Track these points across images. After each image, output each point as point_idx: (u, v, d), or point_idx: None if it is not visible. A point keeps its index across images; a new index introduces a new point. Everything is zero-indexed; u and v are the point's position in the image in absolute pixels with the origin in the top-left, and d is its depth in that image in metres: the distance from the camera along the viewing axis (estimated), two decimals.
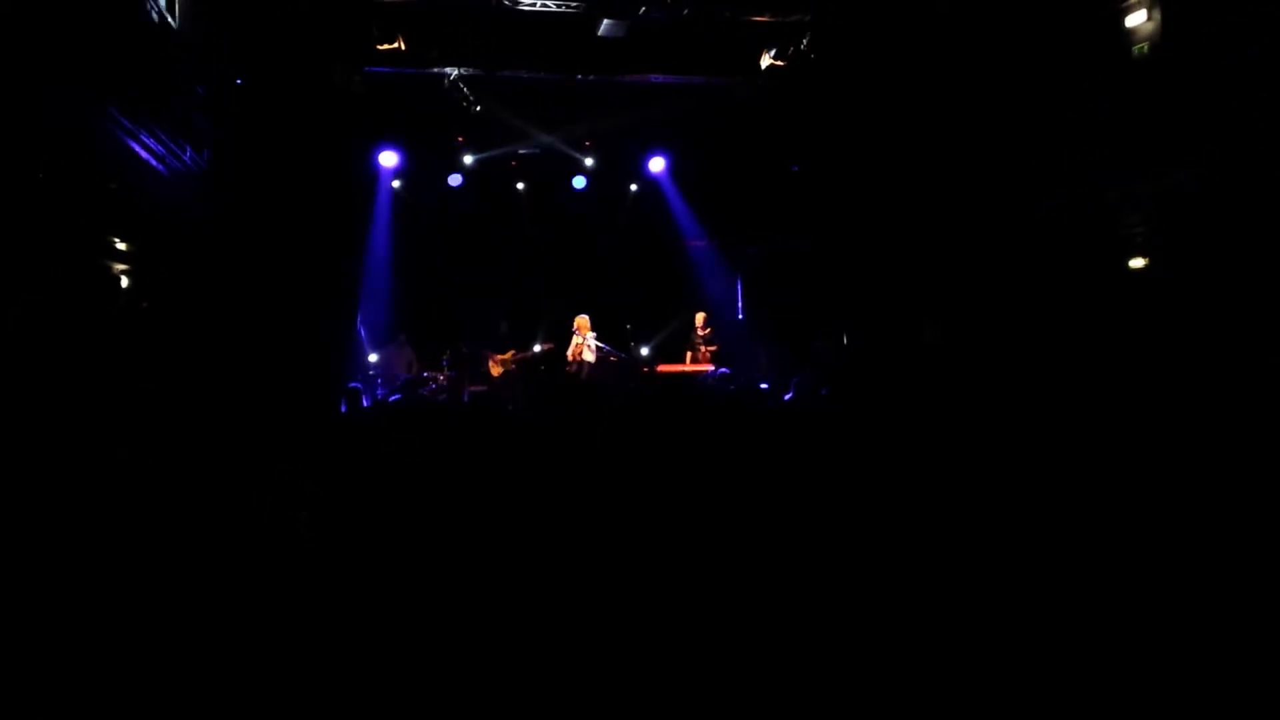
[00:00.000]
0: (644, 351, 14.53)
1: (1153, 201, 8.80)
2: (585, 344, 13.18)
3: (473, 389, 13.11)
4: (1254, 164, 7.83)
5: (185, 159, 8.64)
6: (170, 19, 8.32)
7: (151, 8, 7.75)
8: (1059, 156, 9.85)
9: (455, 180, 14.71)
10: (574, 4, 10.66)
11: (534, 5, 10.64)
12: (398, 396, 11.98)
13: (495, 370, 13.58)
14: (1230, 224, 7.83)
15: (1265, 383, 6.50)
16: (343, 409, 9.38)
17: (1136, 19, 9.34)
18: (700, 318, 14.34)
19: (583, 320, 13.31)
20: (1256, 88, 7.93)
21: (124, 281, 7.76)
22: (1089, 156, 9.58)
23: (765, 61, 11.62)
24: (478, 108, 12.85)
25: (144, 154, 7.76)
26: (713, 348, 14.08)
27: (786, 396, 11.04)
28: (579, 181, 15.22)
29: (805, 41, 11.45)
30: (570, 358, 13.28)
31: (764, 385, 12.07)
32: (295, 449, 6.29)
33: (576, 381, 13.08)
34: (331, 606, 3.88)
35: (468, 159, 14.52)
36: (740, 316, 15.75)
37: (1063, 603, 3.84)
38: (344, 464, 5.80)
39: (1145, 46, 9.26)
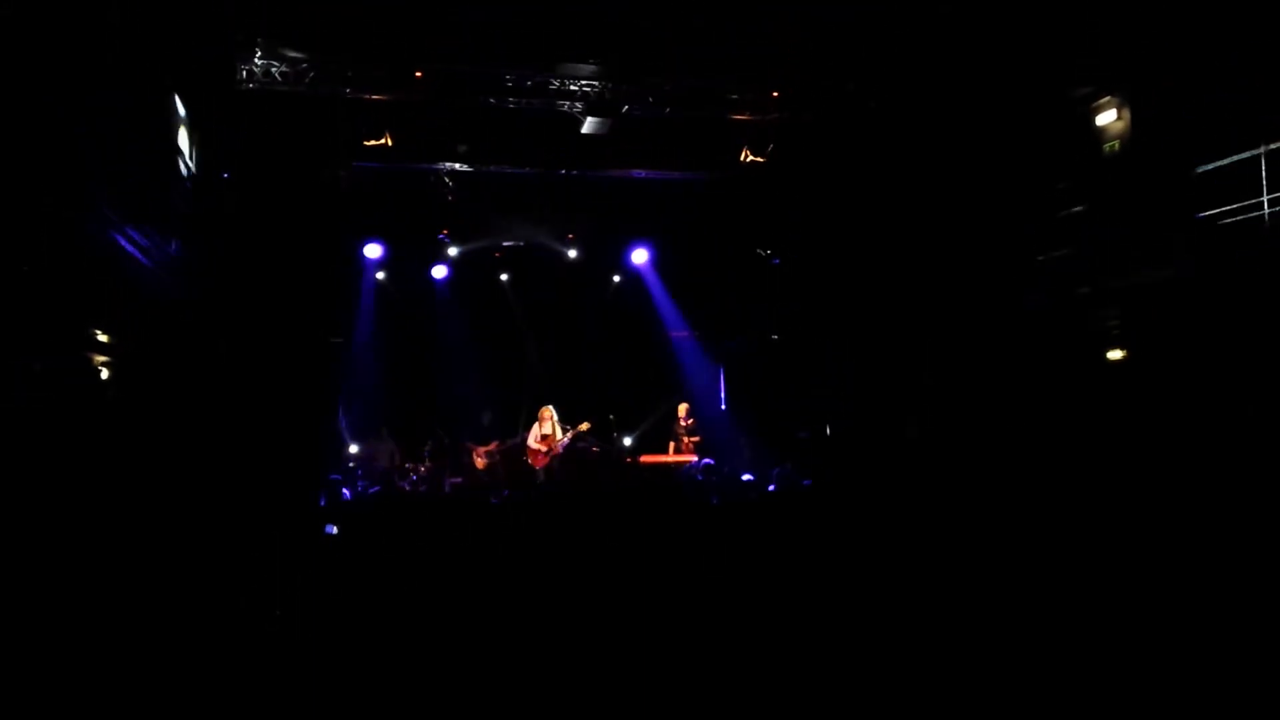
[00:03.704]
0: (627, 442, 14.48)
1: (1125, 296, 8.94)
2: (555, 434, 13.17)
3: (453, 481, 13.00)
4: (1222, 257, 8.00)
5: (170, 251, 8.67)
6: (158, 114, 8.44)
7: (139, 104, 7.87)
8: (1033, 252, 10.03)
9: (439, 272, 14.79)
10: (559, 102, 10.91)
11: (519, 103, 10.87)
12: (377, 489, 11.87)
13: (479, 462, 13.49)
14: (1201, 316, 7.94)
15: (1240, 470, 6.54)
16: (321, 502, 9.28)
17: (1107, 118, 9.62)
18: (683, 408, 14.34)
19: (546, 410, 13.32)
20: (1220, 181, 8.14)
21: (105, 374, 7.72)
22: (1062, 252, 9.76)
23: (745, 157, 11.87)
24: (462, 202, 13.04)
25: (129, 247, 7.79)
26: (696, 438, 14.05)
27: (770, 488, 11.01)
28: (562, 273, 15.33)
29: (782, 139, 11.72)
30: (538, 444, 13.22)
31: (747, 476, 12.02)
32: (272, 543, 6.20)
33: (546, 471, 13.04)
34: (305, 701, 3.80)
35: (452, 251, 14.62)
36: (723, 407, 15.76)
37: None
38: (321, 559, 5.72)
39: (1116, 144, 9.52)
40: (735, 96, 11.32)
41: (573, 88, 10.78)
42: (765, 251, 14.14)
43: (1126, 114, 9.42)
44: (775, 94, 11.31)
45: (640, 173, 12.82)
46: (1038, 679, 3.93)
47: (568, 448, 13.17)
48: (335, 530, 8.96)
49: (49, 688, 3.71)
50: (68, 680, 3.78)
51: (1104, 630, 4.36)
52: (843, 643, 4.46)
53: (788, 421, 13.34)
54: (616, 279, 15.84)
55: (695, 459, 13.38)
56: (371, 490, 11.95)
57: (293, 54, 9.93)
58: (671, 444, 14.26)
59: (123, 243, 7.66)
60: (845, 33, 9.60)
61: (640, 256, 15.28)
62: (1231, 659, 3.95)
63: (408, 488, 12.44)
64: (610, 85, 10.76)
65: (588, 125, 11.04)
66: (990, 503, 7.29)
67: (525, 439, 13.46)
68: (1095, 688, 3.85)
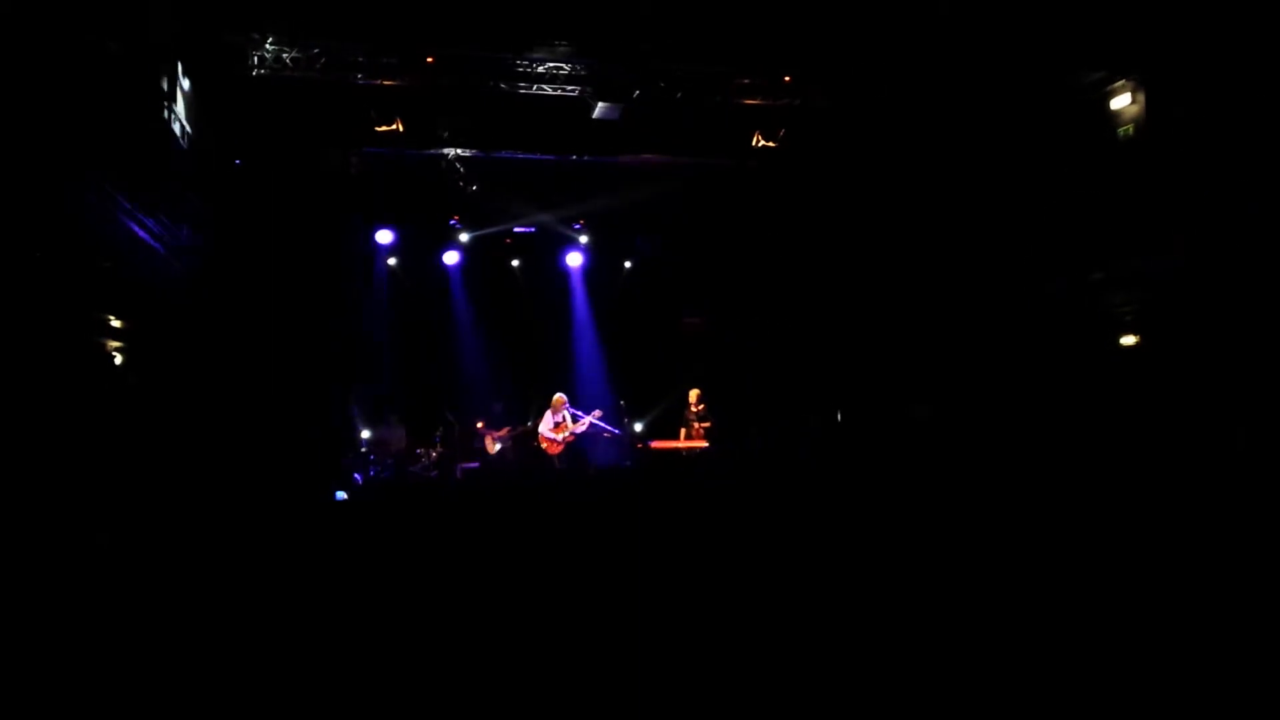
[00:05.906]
0: (638, 428, 14.49)
1: (1139, 280, 8.89)
2: (567, 422, 13.20)
3: (465, 466, 13.04)
4: (1235, 240, 7.94)
5: (183, 238, 8.72)
6: (171, 104, 8.47)
7: (152, 93, 7.90)
8: (1047, 238, 9.97)
9: (451, 258, 14.81)
10: (570, 88, 10.88)
11: (531, 89, 10.85)
12: (389, 473, 11.94)
13: (491, 447, 13.53)
14: (1214, 301, 7.90)
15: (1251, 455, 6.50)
16: (333, 487, 9.34)
17: (1121, 102, 9.55)
18: (694, 394, 14.31)
19: (560, 398, 13.37)
20: (1237, 166, 8.06)
21: (117, 359, 7.77)
22: (1076, 238, 9.70)
23: (757, 142, 11.81)
24: (474, 187, 13.05)
25: (142, 234, 7.84)
26: (707, 424, 14.04)
27: (782, 473, 11.01)
28: (574, 259, 15.35)
29: (796, 124, 11.66)
30: (552, 432, 13.26)
31: (757, 460, 12.03)
32: (284, 528, 6.24)
33: (559, 458, 13.09)
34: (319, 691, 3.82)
35: (463, 237, 14.64)
36: (735, 393, 15.73)
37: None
38: (330, 545, 5.75)
39: (1130, 129, 9.45)
40: (747, 81, 11.27)
41: (584, 73, 10.75)
42: (777, 237, 14.11)
43: (1141, 98, 9.34)
44: (787, 79, 11.26)
45: (652, 158, 12.78)
46: (1052, 674, 3.91)
47: (583, 435, 13.21)
48: (345, 496, 9.06)
49: (52, 682, 3.74)
50: (72, 675, 3.81)
51: (1123, 619, 4.34)
52: (851, 634, 4.45)
53: (800, 407, 13.34)
54: (628, 264, 15.83)
55: (706, 444, 13.39)
56: (384, 475, 12.01)
57: (304, 40, 9.93)
58: (683, 429, 14.25)
59: (136, 229, 7.71)
60: (857, 17, 9.54)
61: (651, 241, 15.25)
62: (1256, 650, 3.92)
63: (419, 472, 12.49)
64: (620, 70, 10.72)
65: (599, 111, 11.01)
66: (1004, 484, 7.28)
67: (537, 426, 13.49)
68: (1107, 678, 3.83)
